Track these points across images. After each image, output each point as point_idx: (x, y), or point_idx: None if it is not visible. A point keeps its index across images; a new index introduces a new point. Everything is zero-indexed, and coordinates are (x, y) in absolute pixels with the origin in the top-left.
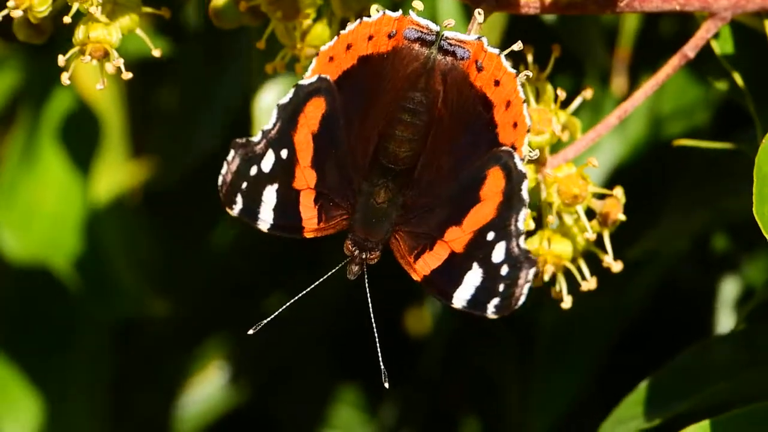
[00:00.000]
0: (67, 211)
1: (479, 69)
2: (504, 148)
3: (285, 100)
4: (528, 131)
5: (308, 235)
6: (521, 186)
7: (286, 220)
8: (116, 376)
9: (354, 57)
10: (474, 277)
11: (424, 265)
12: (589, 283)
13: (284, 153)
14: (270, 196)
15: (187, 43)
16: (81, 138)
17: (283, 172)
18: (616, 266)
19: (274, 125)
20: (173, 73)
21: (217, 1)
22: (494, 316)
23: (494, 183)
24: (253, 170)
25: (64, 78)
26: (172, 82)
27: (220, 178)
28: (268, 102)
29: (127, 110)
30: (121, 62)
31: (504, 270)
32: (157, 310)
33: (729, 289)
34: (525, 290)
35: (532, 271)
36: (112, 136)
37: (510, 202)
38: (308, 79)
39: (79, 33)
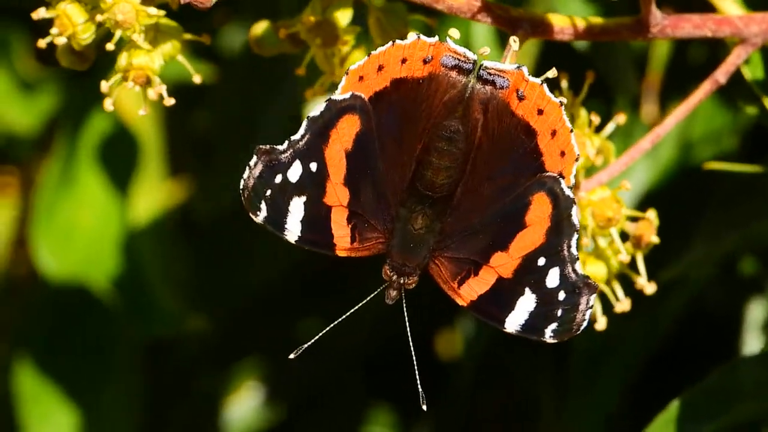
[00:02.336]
0: (105, 230)
1: (520, 98)
2: (549, 174)
3: (315, 113)
4: (577, 160)
5: (341, 253)
6: (570, 211)
7: (316, 235)
8: (151, 393)
9: (386, 79)
10: (527, 302)
11: (470, 291)
12: (623, 305)
13: (314, 166)
14: (297, 207)
15: (226, 67)
16: (119, 159)
17: (312, 185)
18: (650, 288)
19: (303, 136)
20: (210, 95)
21: (257, 29)
22: (552, 341)
23: (540, 209)
24: (278, 178)
25: (107, 104)
26: (209, 104)
27: (242, 182)
28: None
29: (164, 131)
30: (163, 88)
31: (561, 295)
32: (193, 328)
33: (756, 311)
34: (587, 316)
35: (593, 297)
36: (149, 157)
37: (559, 228)
38: (342, 95)
39: (122, 60)
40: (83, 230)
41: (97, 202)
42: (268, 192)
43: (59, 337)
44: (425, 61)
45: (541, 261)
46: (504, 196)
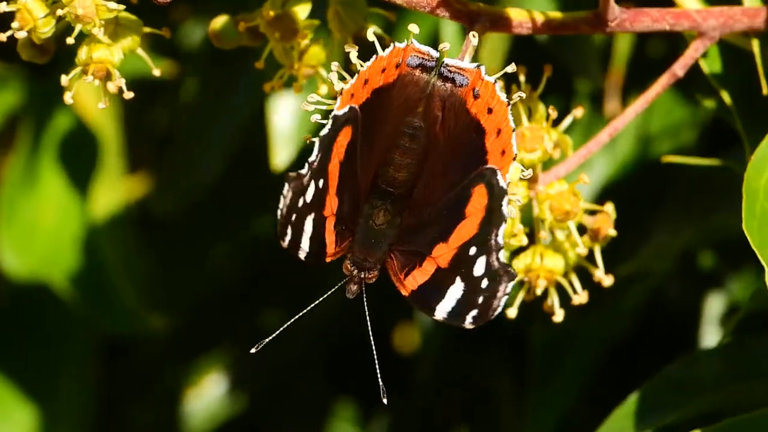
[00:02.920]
0: (66, 228)
1: (475, 96)
2: (489, 166)
3: (324, 131)
4: (514, 159)
5: (328, 259)
6: (501, 202)
7: (318, 248)
8: (112, 389)
9: (369, 91)
10: (456, 290)
11: (412, 281)
12: (581, 297)
13: (321, 183)
14: (309, 225)
15: (186, 62)
16: (79, 156)
17: (318, 201)
18: (607, 280)
19: (316, 157)
20: (170, 91)
21: (217, 23)
22: (471, 326)
23: (478, 200)
24: (300, 202)
25: (67, 97)
26: (169, 100)
27: (278, 212)
28: (283, 120)
29: (123, 128)
30: (122, 82)
31: (484, 283)
32: (154, 324)
33: (714, 305)
34: (502, 302)
35: (511, 283)
36: (109, 153)
37: (491, 218)
38: (342, 109)
39: (82, 53)
40: (44, 228)
41: (58, 200)
42: (294, 217)
43: (20, 334)
44: (397, 66)
45: (473, 250)
46: (452, 191)
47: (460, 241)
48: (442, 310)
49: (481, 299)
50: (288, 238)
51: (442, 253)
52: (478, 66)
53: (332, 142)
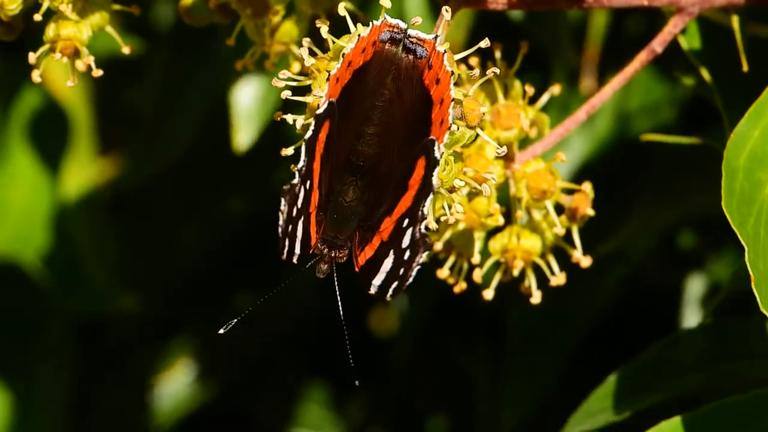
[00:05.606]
0: (37, 207)
1: (429, 67)
2: (430, 137)
3: (308, 134)
4: (449, 129)
5: (311, 249)
6: (432, 172)
7: (306, 247)
8: (83, 371)
9: (350, 72)
10: (387, 263)
11: (363, 256)
12: (559, 279)
13: (308, 184)
14: (300, 230)
15: (157, 42)
16: (50, 135)
17: (305, 202)
18: (585, 261)
19: (303, 161)
20: (142, 71)
21: None
22: (390, 299)
23: (418, 172)
24: (294, 210)
25: (35, 76)
26: (140, 80)
27: (278, 229)
28: (245, 100)
29: (95, 108)
30: (91, 60)
31: (407, 254)
32: (126, 306)
33: (695, 285)
34: (414, 272)
35: (426, 253)
36: (80, 133)
37: (423, 189)
38: (322, 107)
39: (50, 31)
40: (14, 207)
41: (28, 180)
42: (290, 227)
43: None
44: (374, 44)
45: (405, 222)
46: (404, 164)
47: (399, 213)
48: (374, 285)
49: (401, 271)
50: (286, 248)
51: (387, 227)
52: (435, 37)
53: (315, 141)
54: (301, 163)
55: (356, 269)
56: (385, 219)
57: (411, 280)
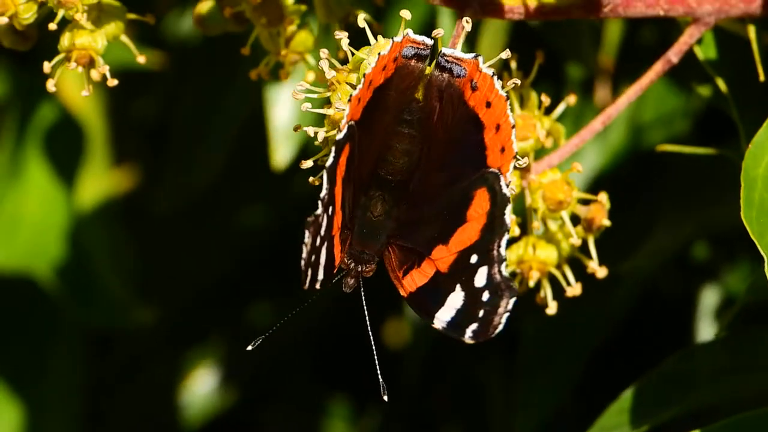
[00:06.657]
0: (51, 219)
1: (474, 88)
2: (491, 170)
3: (329, 161)
4: (515, 157)
5: (335, 270)
6: (504, 211)
7: (329, 271)
8: (99, 383)
9: (371, 91)
10: (456, 299)
11: (411, 282)
12: (574, 289)
13: (330, 210)
14: (323, 256)
15: (176, 54)
16: (65, 147)
17: (328, 227)
18: (601, 272)
19: (326, 189)
20: (156, 82)
21: (202, 8)
22: (471, 341)
23: (480, 204)
24: (318, 240)
25: (50, 85)
26: (154, 92)
27: (301, 261)
28: (282, 117)
29: (109, 119)
30: (106, 69)
31: (485, 296)
32: (142, 317)
33: (709, 297)
34: (503, 319)
35: (513, 300)
36: (95, 145)
37: (493, 226)
38: (341, 132)
39: (65, 40)
40: (29, 220)
41: (42, 191)
42: (312, 257)
43: (4, 327)
44: (395, 60)
45: (474, 258)
46: (451, 188)
47: (460, 246)
48: (441, 319)
49: (481, 313)
50: (309, 278)
51: (442, 257)
52: (476, 56)
53: (336, 168)
54: (323, 192)
55: (403, 294)
56: (438, 246)
57: (500, 327)
